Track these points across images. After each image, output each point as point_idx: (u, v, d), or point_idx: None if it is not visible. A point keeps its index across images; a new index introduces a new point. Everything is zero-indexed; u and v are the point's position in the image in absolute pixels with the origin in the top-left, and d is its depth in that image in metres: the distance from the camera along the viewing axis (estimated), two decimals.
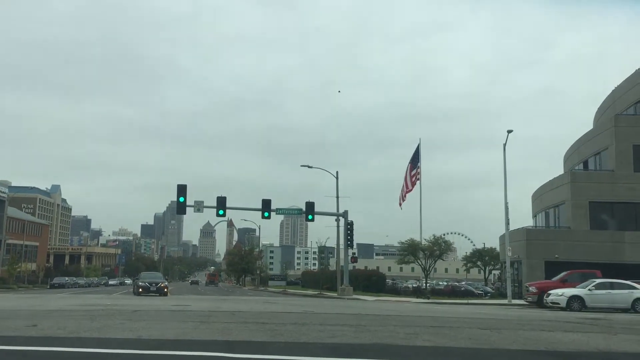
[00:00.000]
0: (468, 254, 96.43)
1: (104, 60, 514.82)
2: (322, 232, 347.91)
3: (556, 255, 41.83)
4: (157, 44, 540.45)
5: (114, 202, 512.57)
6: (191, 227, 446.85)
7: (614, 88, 50.99)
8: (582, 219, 43.82)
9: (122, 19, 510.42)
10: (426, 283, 56.13)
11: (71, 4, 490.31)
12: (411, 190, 56.70)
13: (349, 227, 46.38)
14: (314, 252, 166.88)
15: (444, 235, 65.28)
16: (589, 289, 27.52)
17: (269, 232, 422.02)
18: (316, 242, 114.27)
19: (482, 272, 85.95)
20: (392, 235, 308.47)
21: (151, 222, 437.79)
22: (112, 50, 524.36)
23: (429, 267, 55.09)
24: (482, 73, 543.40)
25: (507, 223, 39.32)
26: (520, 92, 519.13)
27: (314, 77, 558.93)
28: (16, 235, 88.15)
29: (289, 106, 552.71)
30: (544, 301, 28.81)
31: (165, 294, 35.90)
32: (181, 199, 40.60)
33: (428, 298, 42.14)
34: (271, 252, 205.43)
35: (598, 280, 28.62)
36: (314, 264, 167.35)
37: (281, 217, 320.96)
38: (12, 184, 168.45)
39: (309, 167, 53.56)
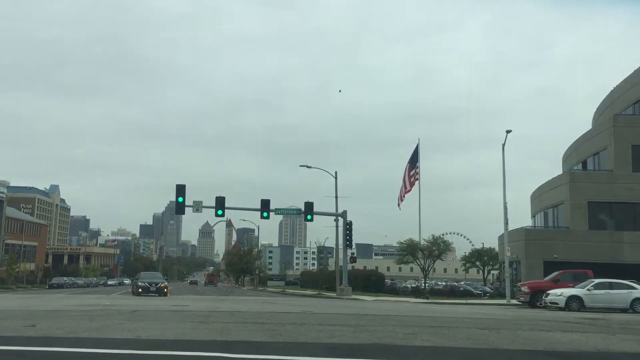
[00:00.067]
0: (467, 254, 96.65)
1: (104, 60, 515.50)
2: (321, 232, 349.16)
3: (555, 255, 41.84)
4: (157, 44, 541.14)
5: (112, 202, 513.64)
6: (190, 227, 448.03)
7: (612, 88, 51.04)
8: (581, 219, 43.82)
9: (122, 19, 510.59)
10: (425, 283, 56.25)
11: (71, 4, 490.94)
12: (410, 190, 56.64)
13: (348, 227, 46.36)
14: (313, 252, 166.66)
15: (443, 235, 65.43)
16: (588, 289, 27.46)
17: (268, 232, 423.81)
18: (315, 242, 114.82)
19: (481, 272, 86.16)
20: (391, 235, 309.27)
21: (150, 222, 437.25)
22: (112, 50, 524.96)
23: (428, 267, 55.16)
24: (482, 73, 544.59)
25: (506, 223, 39.30)
26: (519, 92, 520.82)
27: (314, 77, 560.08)
28: (15, 235, 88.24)
29: (289, 106, 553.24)
30: (543, 301, 28.76)
31: (165, 294, 35.50)
32: (180, 199, 40.53)
33: (427, 298, 42.18)
34: (270, 252, 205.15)
35: (597, 280, 28.48)
36: (313, 264, 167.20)
37: (280, 217, 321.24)
38: (11, 184, 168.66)
39: (308, 167, 53.57)
